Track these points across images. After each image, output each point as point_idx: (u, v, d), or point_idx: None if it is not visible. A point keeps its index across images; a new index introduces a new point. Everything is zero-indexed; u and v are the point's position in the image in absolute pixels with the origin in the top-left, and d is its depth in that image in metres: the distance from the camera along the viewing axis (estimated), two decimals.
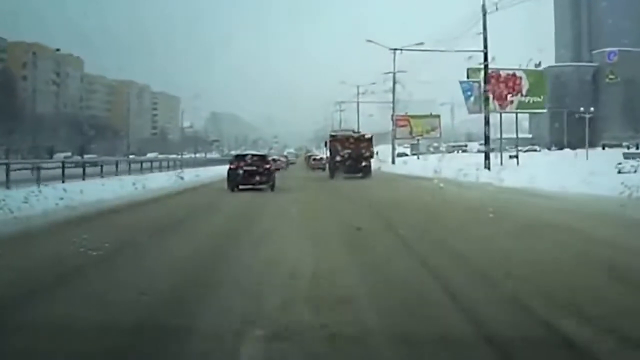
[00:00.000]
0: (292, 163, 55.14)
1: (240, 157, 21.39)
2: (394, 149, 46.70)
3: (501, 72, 31.87)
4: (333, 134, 33.54)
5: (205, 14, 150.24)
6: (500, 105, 31.89)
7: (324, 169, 35.21)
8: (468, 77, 31.58)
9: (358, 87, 55.00)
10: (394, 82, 42.01)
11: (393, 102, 43.02)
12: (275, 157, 51.54)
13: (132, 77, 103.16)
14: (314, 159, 45.33)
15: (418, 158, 52.64)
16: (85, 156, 53.09)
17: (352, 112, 64.26)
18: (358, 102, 53.01)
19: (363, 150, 30.23)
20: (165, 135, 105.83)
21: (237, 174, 19.91)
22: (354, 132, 35.04)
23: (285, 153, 74.38)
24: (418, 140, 55.83)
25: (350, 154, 29.66)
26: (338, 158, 30.12)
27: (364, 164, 29.51)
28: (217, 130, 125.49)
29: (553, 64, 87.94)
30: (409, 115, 54.36)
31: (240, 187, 19.78)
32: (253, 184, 19.75)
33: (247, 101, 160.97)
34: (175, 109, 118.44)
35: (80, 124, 70.11)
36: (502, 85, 31.98)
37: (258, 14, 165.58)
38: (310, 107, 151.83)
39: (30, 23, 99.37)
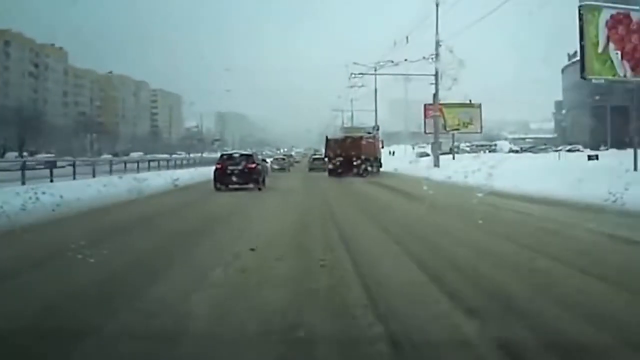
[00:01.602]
0: (297, 162, 53.51)
1: (226, 157, 20.45)
2: (436, 144, 32.08)
3: (632, 15, 17.53)
4: (329, 136, 32.95)
5: (208, 9, 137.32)
6: (632, 67, 17.61)
7: (325, 170, 32.62)
8: (581, 22, 17.30)
9: (375, 68, 40.64)
10: (437, 44, 27.28)
11: (436, 75, 28.16)
12: (278, 156, 48.03)
13: (132, 75, 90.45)
14: (315, 159, 40.34)
15: (453, 158, 38.69)
16: (39, 156, 41.19)
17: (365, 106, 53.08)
18: (376, 76, 38.36)
19: (361, 151, 28.79)
20: (160, 135, 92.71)
21: (223, 173, 19.10)
22: (368, 132, 33.51)
23: (293, 153, 70.71)
24: (453, 134, 41.73)
25: (345, 155, 28.10)
26: (333, 159, 29.12)
27: (360, 164, 27.26)
28: (223, 130, 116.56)
29: None
30: (441, 104, 40.44)
31: (229, 186, 18.75)
32: (239, 184, 18.74)
33: (255, 101, 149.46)
34: (177, 107, 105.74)
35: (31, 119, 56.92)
36: (634, 37, 17.63)
37: (261, 9, 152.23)
38: (319, 107, 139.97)
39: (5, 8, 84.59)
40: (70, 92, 78.45)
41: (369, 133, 39.72)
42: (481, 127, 42.71)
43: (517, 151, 62.28)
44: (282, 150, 76.57)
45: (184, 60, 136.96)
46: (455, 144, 74.94)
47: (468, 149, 69.18)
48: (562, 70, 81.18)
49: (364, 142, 30.78)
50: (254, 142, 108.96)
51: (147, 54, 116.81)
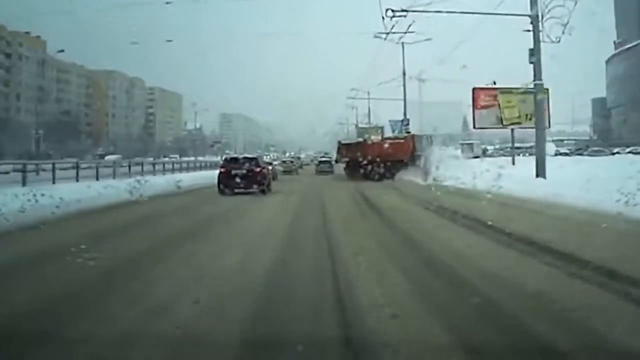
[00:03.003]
0: (306, 164, 52.81)
1: (231, 161, 20.14)
2: (542, 137, 19.94)
3: None
4: (344, 142, 32.26)
5: (215, 11, 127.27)
6: None
7: (332, 173, 33.76)
8: None
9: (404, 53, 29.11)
10: None
11: (534, 16, 16.14)
12: (285, 159, 45.82)
13: (128, 72, 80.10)
14: (321, 162, 40.48)
15: (513, 163, 27.67)
16: None
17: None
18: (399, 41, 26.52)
19: (378, 154, 26.48)
20: (154, 136, 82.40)
21: (227, 177, 18.65)
22: (407, 132, 32.87)
23: (302, 156, 67.89)
24: (512, 130, 30.61)
25: (360, 160, 26.26)
26: (346, 164, 29.19)
27: (371, 169, 24.65)
28: (227, 132, 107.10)
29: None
30: (495, 88, 29.42)
31: (235, 190, 18.18)
32: (244, 187, 18.20)
33: (262, 103, 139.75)
34: (177, 107, 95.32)
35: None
36: None
37: (267, 11, 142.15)
38: (331, 108, 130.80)
39: None
40: (51, 88, 67.87)
41: (408, 132, 34.49)
42: (549, 121, 31.01)
43: (566, 154, 50.64)
44: (288, 154, 70.24)
45: (185, 60, 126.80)
46: (483, 146, 63.68)
47: (502, 151, 57.55)
48: (607, 62, 69.17)
49: (379, 144, 29.00)
50: (260, 144, 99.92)
51: (147, 52, 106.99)
